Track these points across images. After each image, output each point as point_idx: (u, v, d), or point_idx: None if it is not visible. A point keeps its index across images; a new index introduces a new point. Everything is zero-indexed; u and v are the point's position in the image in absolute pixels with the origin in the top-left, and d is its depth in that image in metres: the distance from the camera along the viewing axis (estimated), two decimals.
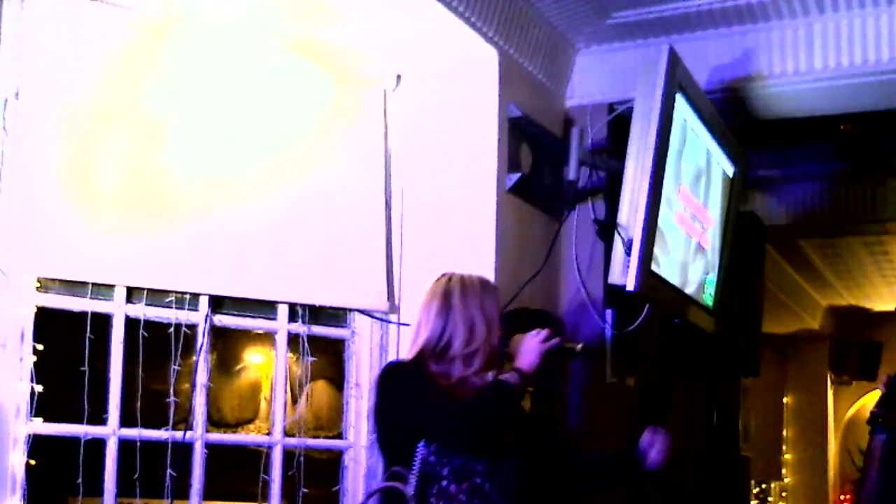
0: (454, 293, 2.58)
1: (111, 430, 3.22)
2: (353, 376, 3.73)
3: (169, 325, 3.33)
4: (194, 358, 3.40)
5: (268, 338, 3.65)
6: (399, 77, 3.90)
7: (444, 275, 2.70)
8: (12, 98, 3.07)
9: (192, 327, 3.39)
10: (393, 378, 2.57)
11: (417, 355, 2.57)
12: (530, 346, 2.56)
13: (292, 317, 3.62)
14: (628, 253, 3.37)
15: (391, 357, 3.73)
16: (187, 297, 3.37)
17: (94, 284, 3.20)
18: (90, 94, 3.21)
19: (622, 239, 3.40)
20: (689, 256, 3.93)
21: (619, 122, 4.03)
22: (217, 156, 3.44)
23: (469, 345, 2.53)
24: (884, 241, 7.22)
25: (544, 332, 2.60)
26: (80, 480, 3.09)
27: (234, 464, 3.67)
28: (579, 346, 2.73)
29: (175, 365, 3.32)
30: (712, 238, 4.19)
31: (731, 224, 4.34)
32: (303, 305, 3.62)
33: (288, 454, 3.56)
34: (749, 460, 8.11)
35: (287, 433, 3.58)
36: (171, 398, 3.32)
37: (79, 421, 3.14)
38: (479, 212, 3.76)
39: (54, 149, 3.13)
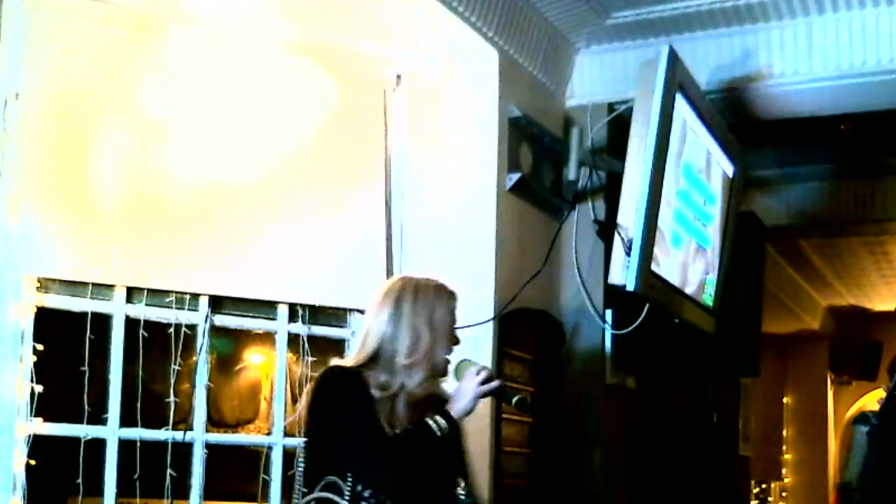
0: (405, 300, 2.46)
1: (111, 430, 3.22)
2: None
3: (169, 325, 3.33)
4: (194, 358, 3.40)
5: (268, 338, 3.65)
6: (399, 77, 3.90)
7: (399, 278, 2.59)
8: (12, 98, 3.07)
9: (192, 327, 3.39)
10: (331, 387, 2.43)
11: (362, 364, 2.45)
12: (466, 389, 2.43)
13: (292, 317, 3.62)
14: (628, 253, 3.37)
15: None
16: (187, 297, 3.37)
17: (94, 284, 3.20)
18: (90, 93, 3.22)
19: (622, 239, 3.40)
20: (689, 256, 3.93)
21: (619, 122, 4.03)
22: (217, 156, 3.44)
23: (411, 356, 2.42)
24: (884, 241, 7.22)
25: (483, 374, 2.45)
26: (80, 480, 3.10)
27: (234, 464, 3.67)
28: (516, 398, 2.55)
29: (175, 365, 3.32)
30: (712, 238, 4.19)
31: (731, 224, 4.34)
32: (303, 305, 3.62)
33: (288, 454, 3.56)
34: (749, 460, 8.10)
35: (287, 433, 3.58)
36: (171, 398, 3.32)
37: (79, 421, 3.14)
38: (479, 212, 3.76)
39: (54, 149, 3.13)
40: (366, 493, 2.35)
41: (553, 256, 4.12)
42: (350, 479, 2.35)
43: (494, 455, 3.66)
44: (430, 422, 2.37)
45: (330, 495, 2.34)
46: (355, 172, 3.76)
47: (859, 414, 5.10)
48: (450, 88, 3.87)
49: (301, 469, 2.45)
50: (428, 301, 2.48)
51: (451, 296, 2.55)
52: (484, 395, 2.46)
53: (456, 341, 2.53)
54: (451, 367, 2.53)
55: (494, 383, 2.48)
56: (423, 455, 2.37)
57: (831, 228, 6.36)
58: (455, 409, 2.42)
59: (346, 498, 2.33)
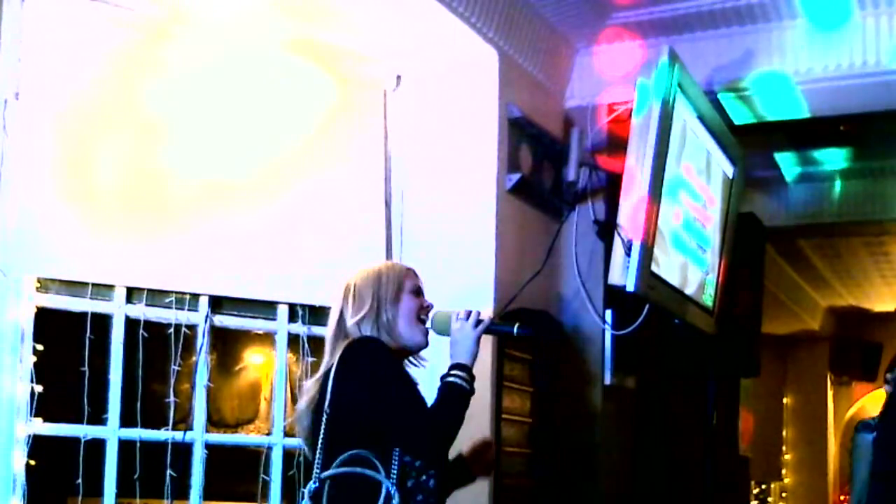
0: (353, 278, 2.49)
1: (111, 431, 3.22)
2: None
3: (169, 325, 3.33)
4: (194, 358, 3.40)
5: (268, 338, 3.65)
6: (399, 77, 3.90)
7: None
8: (12, 98, 3.07)
9: (192, 327, 3.39)
10: (371, 359, 2.37)
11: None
12: (463, 337, 2.41)
13: (292, 317, 3.62)
14: (628, 253, 3.37)
15: None
16: (187, 297, 3.37)
17: (94, 284, 3.21)
18: (90, 94, 3.22)
19: (622, 239, 3.40)
20: (689, 257, 3.93)
21: (619, 122, 4.03)
22: (217, 156, 3.44)
23: (356, 314, 2.42)
24: (884, 241, 7.22)
25: (474, 316, 2.41)
26: (80, 480, 3.10)
27: (234, 464, 3.67)
28: (516, 326, 2.47)
29: (175, 365, 3.32)
30: (712, 238, 4.19)
31: (731, 224, 4.34)
32: (303, 305, 3.62)
33: (288, 454, 3.56)
34: (749, 460, 8.10)
35: (287, 433, 3.58)
36: (171, 398, 3.32)
37: (79, 421, 3.14)
38: (479, 212, 3.76)
39: (54, 149, 3.14)
40: (409, 464, 2.30)
41: (553, 256, 4.12)
42: (395, 454, 2.28)
43: (494, 455, 3.66)
44: (456, 380, 2.35)
45: (366, 471, 2.27)
46: (355, 173, 3.76)
47: (860, 422, 5.08)
48: (450, 88, 3.87)
49: (322, 444, 2.32)
50: (372, 272, 2.48)
51: (404, 267, 2.54)
52: (482, 334, 2.44)
53: (417, 306, 2.48)
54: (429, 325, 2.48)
55: (486, 320, 2.45)
56: (463, 414, 2.35)
57: (831, 228, 6.35)
58: (462, 357, 2.40)
59: (391, 473, 2.27)
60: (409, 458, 2.30)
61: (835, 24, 3.88)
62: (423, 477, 2.32)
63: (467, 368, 2.39)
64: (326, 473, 2.28)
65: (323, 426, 2.32)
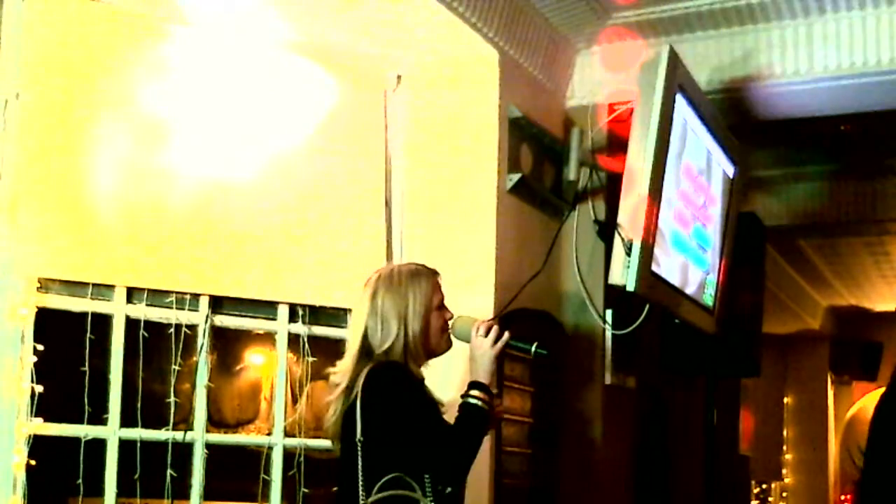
0: (379, 292, 2.52)
1: (111, 430, 3.22)
2: None
3: (169, 325, 3.33)
4: (194, 358, 3.40)
5: (268, 338, 3.65)
6: (399, 77, 3.90)
7: (377, 270, 2.64)
8: (12, 98, 3.07)
9: (192, 327, 3.39)
10: (391, 385, 2.44)
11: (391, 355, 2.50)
12: (481, 354, 2.47)
13: (292, 317, 3.62)
14: (628, 253, 3.37)
15: None
16: (187, 297, 3.37)
17: (94, 284, 3.20)
18: (90, 94, 3.22)
19: (622, 239, 3.40)
20: (689, 256, 3.93)
21: (620, 122, 4.03)
22: (217, 156, 3.44)
23: (383, 344, 2.47)
24: (884, 241, 7.22)
25: (493, 333, 2.47)
26: (80, 480, 3.10)
27: (234, 464, 3.67)
28: (534, 346, 2.53)
29: (175, 365, 3.32)
30: (712, 238, 4.19)
31: (731, 224, 4.34)
32: (303, 305, 3.62)
33: (288, 454, 3.56)
34: (749, 460, 8.10)
35: (287, 433, 3.58)
36: (171, 398, 3.32)
37: (79, 421, 3.14)
38: (479, 212, 3.76)
39: (54, 149, 3.13)
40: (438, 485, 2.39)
41: (553, 256, 4.12)
42: (426, 478, 2.37)
43: (494, 455, 3.66)
44: (475, 401, 2.42)
45: (407, 492, 2.36)
46: (355, 172, 3.76)
47: None
48: (450, 88, 3.87)
49: (362, 470, 2.41)
50: (402, 290, 2.52)
51: (430, 275, 2.58)
52: (503, 351, 2.51)
53: (442, 319, 2.55)
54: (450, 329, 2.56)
55: (505, 336, 2.50)
56: (483, 435, 2.44)
57: (831, 228, 6.36)
58: (481, 376, 2.47)
59: (428, 493, 2.37)
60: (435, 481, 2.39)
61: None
62: (449, 490, 2.42)
63: (486, 388, 2.46)
64: (372, 500, 2.36)
65: (360, 455, 2.40)
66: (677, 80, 3.51)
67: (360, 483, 2.38)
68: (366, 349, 2.51)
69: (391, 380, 2.45)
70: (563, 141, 4.16)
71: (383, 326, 2.49)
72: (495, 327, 2.52)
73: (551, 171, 4.15)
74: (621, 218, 3.46)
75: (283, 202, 3.57)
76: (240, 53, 3.52)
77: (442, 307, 2.58)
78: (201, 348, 3.39)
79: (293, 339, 3.62)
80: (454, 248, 3.73)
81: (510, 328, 3.64)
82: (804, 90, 4.04)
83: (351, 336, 2.58)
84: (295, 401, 3.63)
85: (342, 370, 2.54)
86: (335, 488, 2.60)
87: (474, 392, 2.44)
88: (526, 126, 3.93)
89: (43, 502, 3.13)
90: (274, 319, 3.61)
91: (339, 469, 2.53)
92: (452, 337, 2.58)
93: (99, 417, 3.20)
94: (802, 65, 3.99)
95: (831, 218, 5.94)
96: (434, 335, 2.55)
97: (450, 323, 2.57)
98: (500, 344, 2.48)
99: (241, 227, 3.46)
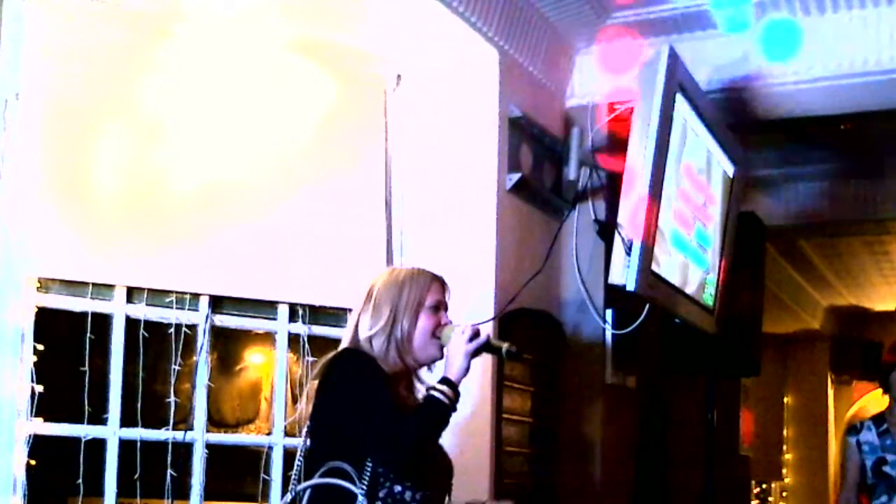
0: (377, 283, 2.54)
1: (111, 430, 3.22)
2: None
3: (169, 325, 3.33)
4: (194, 358, 3.40)
5: (268, 338, 3.65)
6: (399, 77, 3.90)
7: (382, 271, 2.65)
8: (12, 98, 3.07)
9: (192, 327, 3.39)
10: (348, 368, 2.44)
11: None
12: (455, 351, 2.45)
13: (292, 317, 3.62)
14: (628, 253, 3.37)
15: None
16: (187, 297, 3.37)
17: (94, 284, 3.21)
18: (90, 94, 3.22)
19: (622, 239, 3.40)
20: (689, 256, 3.93)
21: (619, 122, 4.03)
22: (217, 156, 3.44)
23: (372, 328, 2.47)
24: (884, 241, 7.22)
25: (468, 331, 2.47)
26: (80, 480, 3.10)
27: (234, 464, 3.67)
28: (506, 346, 2.53)
29: (175, 365, 3.32)
30: (712, 238, 4.19)
31: (731, 224, 4.34)
32: (303, 305, 3.62)
33: (288, 454, 3.56)
34: (749, 460, 8.11)
35: (287, 433, 3.58)
36: (171, 398, 3.32)
37: (79, 421, 3.14)
38: (479, 212, 3.76)
39: (54, 149, 3.13)
40: (382, 474, 2.34)
41: (553, 256, 4.12)
42: (368, 463, 2.33)
43: (494, 455, 3.66)
44: (437, 394, 2.39)
45: (339, 482, 2.32)
46: (355, 172, 3.76)
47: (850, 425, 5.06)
48: (450, 88, 3.87)
49: (301, 456, 2.41)
50: (398, 282, 2.53)
51: (430, 276, 2.58)
52: (475, 352, 2.48)
53: (434, 322, 2.53)
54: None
55: (481, 338, 2.49)
56: (438, 429, 2.40)
57: (831, 228, 6.36)
58: (451, 372, 2.44)
59: (362, 483, 2.32)
60: (381, 468, 2.33)
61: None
62: (398, 488, 2.35)
63: (453, 384, 2.42)
64: (302, 486, 2.36)
65: (306, 439, 2.40)
66: (677, 80, 3.51)
67: (298, 466, 2.38)
68: (355, 339, 2.51)
69: (350, 365, 2.43)
70: (563, 141, 4.16)
71: (374, 312, 2.50)
72: (472, 327, 2.51)
73: (551, 170, 4.15)
74: (621, 218, 3.45)
75: (283, 202, 3.57)
76: (240, 53, 3.52)
77: (437, 310, 2.56)
78: (201, 348, 3.39)
79: (293, 339, 3.62)
80: (454, 248, 3.73)
81: (510, 328, 3.67)
82: (804, 90, 4.04)
83: (345, 330, 2.58)
84: (295, 401, 3.63)
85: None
86: None
87: (440, 386, 2.41)
88: (526, 126, 3.93)
89: (43, 502, 3.14)
90: (274, 319, 3.61)
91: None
92: (443, 348, 2.55)
93: (99, 417, 3.20)
94: (802, 65, 3.99)
95: (831, 218, 5.94)
96: (420, 335, 2.52)
97: (440, 330, 2.54)
98: (474, 343, 2.47)
99: (241, 227, 3.46)
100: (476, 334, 2.49)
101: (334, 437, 2.39)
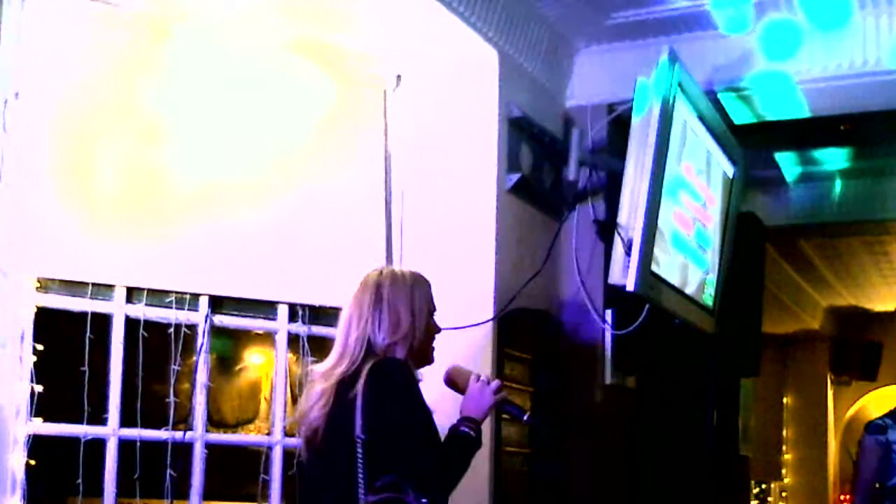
0: (384, 285, 2.52)
1: (111, 430, 3.22)
2: None
3: (169, 325, 3.33)
4: (194, 358, 3.40)
5: (268, 338, 3.65)
6: (399, 77, 3.90)
7: (375, 268, 2.63)
8: (12, 98, 3.07)
9: (192, 327, 3.39)
10: (398, 384, 2.42)
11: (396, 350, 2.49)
12: (484, 395, 2.51)
13: (292, 317, 3.62)
14: (628, 253, 3.38)
15: None
16: (187, 297, 3.37)
17: (94, 284, 3.21)
18: (90, 94, 3.22)
19: (622, 239, 3.41)
20: (689, 256, 3.93)
21: (619, 122, 4.03)
22: (217, 156, 3.44)
23: (392, 335, 2.46)
24: (884, 241, 7.22)
25: (496, 384, 2.54)
26: (80, 480, 3.10)
27: (234, 464, 3.67)
28: (526, 416, 2.71)
29: (175, 365, 3.32)
30: (712, 238, 4.19)
31: (731, 224, 4.34)
32: (303, 305, 3.62)
33: (288, 454, 3.56)
34: (749, 460, 8.10)
35: (287, 433, 3.58)
36: (171, 398, 3.32)
37: (79, 421, 3.14)
38: (479, 212, 3.76)
39: (54, 149, 3.14)
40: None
41: (553, 256, 4.12)
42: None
43: (494, 455, 3.66)
44: (471, 433, 2.46)
45: (401, 495, 2.34)
46: (355, 173, 3.76)
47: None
48: (449, 89, 3.87)
49: (360, 465, 2.38)
50: (406, 285, 2.53)
51: (427, 283, 2.60)
52: (497, 405, 2.55)
53: (436, 329, 2.58)
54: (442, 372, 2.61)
55: (503, 394, 2.56)
56: (468, 465, 2.46)
57: (831, 228, 6.36)
58: (477, 414, 2.50)
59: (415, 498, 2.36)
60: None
61: (835, 24, 3.88)
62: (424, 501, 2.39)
63: (479, 424, 2.49)
64: (372, 500, 2.34)
65: (360, 451, 2.37)
66: (677, 80, 3.51)
67: (361, 481, 2.35)
68: (368, 343, 2.48)
69: (399, 378, 2.42)
70: (562, 141, 4.16)
71: (392, 317, 2.48)
72: (497, 381, 2.57)
73: (551, 171, 4.15)
74: (621, 218, 3.46)
75: (284, 202, 3.57)
76: (240, 53, 3.52)
77: (433, 318, 2.60)
78: (201, 348, 3.39)
79: (293, 339, 3.62)
80: (454, 248, 3.73)
81: (510, 328, 3.68)
82: (804, 90, 4.04)
83: (343, 332, 2.54)
84: (295, 401, 3.63)
85: (329, 365, 2.51)
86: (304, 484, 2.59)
87: (469, 423, 2.47)
88: (526, 126, 3.93)
89: (43, 502, 3.14)
90: (274, 319, 3.60)
91: (319, 465, 2.48)
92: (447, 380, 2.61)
93: (98, 417, 3.19)
94: (802, 65, 3.99)
95: (831, 218, 5.94)
96: (429, 342, 2.57)
97: (442, 367, 2.60)
98: (499, 396, 2.53)
99: (241, 228, 3.46)
100: (499, 387, 2.55)
101: (393, 452, 2.37)
